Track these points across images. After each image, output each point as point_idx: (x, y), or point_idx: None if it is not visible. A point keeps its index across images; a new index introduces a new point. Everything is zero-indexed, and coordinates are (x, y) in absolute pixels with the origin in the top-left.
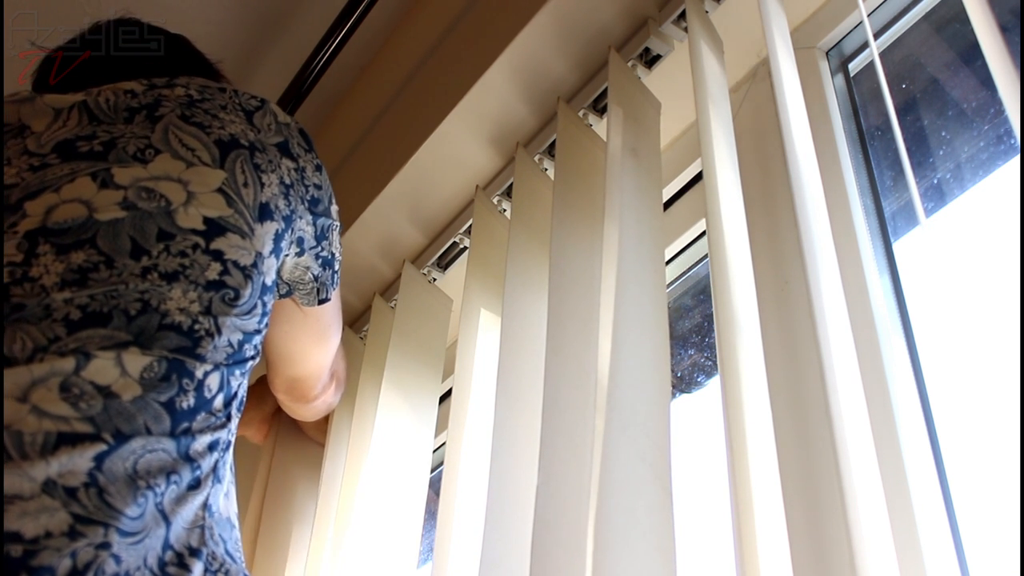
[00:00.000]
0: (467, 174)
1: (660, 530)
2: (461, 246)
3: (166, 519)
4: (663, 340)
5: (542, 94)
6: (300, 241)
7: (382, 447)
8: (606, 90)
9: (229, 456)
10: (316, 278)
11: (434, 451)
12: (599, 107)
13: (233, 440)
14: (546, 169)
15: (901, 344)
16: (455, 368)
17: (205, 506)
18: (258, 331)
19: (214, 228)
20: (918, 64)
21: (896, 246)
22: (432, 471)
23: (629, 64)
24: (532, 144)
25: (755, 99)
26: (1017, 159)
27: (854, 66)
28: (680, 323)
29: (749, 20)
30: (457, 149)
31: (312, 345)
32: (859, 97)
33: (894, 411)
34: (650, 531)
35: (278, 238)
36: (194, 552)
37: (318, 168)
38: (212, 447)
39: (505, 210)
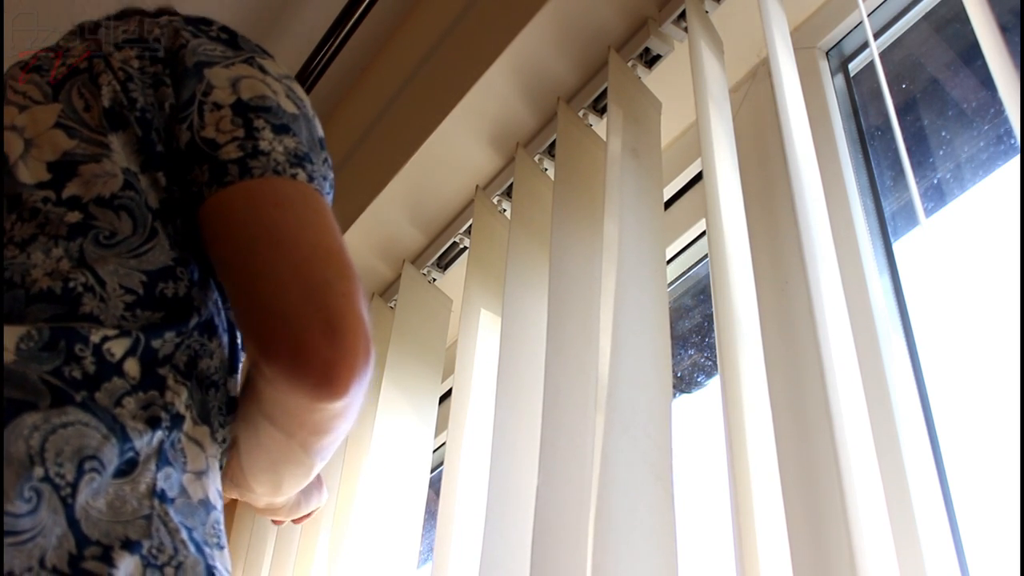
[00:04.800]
0: (467, 174)
1: (661, 530)
2: (461, 246)
3: (74, 514)
4: (664, 340)
5: (542, 94)
6: (170, 131)
7: (382, 447)
8: (606, 90)
9: (186, 433)
10: (207, 157)
11: (434, 451)
12: (599, 107)
13: (189, 414)
14: (546, 169)
15: (901, 344)
16: (455, 368)
17: (152, 493)
18: (170, 267)
19: (61, 171)
20: (918, 64)
21: (896, 246)
22: (432, 471)
23: (629, 64)
24: (532, 144)
25: (755, 99)
26: (1017, 159)
27: (854, 66)
28: (680, 323)
29: (749, 20)
30: (457, 149)
31: (255, 262)
32: (859, 97)
33: (894, 411)
34: (651, 531)
35: (144, 147)
36: (128, 545)
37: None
38: (152, 423)
39: (505, 210)
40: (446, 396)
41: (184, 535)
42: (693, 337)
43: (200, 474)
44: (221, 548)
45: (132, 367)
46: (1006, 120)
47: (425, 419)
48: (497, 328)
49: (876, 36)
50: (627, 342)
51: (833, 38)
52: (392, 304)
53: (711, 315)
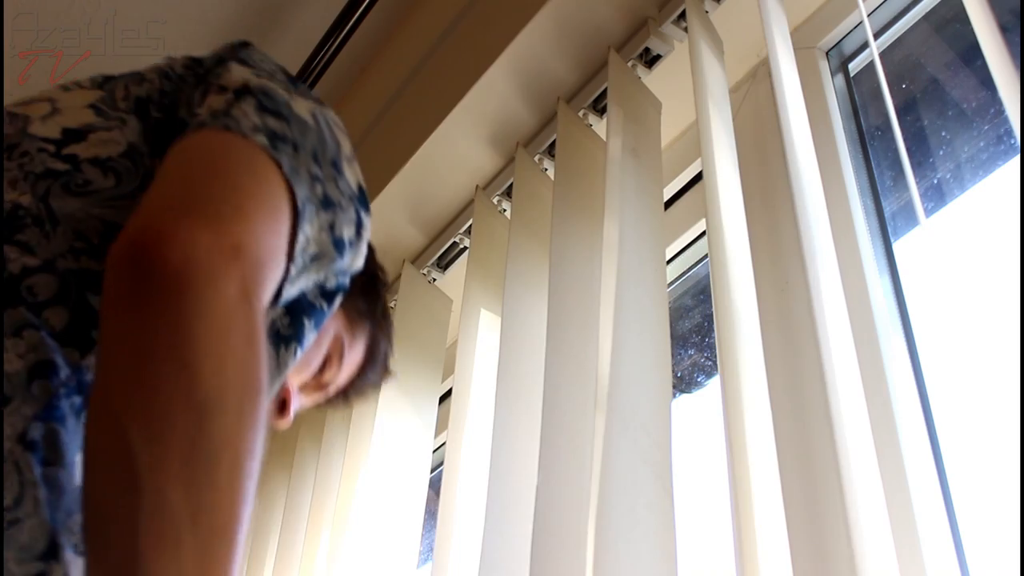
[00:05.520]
0: (467, 174)
1: (661, 530)
2: (461, 246)
3: None
4: (664, 340)
5: (542, 94)
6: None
7: (382, 447)
8: (606, 90)
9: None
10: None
11: (434, 451)
12: (599, 107)
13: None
14: (546, 169)
15: (901, 344)
16: (455, 368)
17: (18, 438)
18: None
19: (72, 136)
20: (918, 64)
21: (896, 246)
22: (432, 471)
23: (629, 64)
24: (532, 144)
25: (755, 99)
26: (1017, 159)
27: (854, 66)
28: (680, 323)
29: (749, 20)
30: (457, 149)
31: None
32: (859, 97)
33: (894, 411)
34: (651, 531)
35: (162, 134)
36: None
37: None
38: (36, 371)
39: (505, 210)
40: (446, 396)
41: (42, 495)
42: (693, 337)
43: None
44: (59, 523)
45: (56, 316)
46: (1006, 120)
47: (425, 419)
48: (497, 328)
49: (876, 36)
50: (627, 342)
51: (833, 38)
52: (392, 304)
53: (711, 315)
